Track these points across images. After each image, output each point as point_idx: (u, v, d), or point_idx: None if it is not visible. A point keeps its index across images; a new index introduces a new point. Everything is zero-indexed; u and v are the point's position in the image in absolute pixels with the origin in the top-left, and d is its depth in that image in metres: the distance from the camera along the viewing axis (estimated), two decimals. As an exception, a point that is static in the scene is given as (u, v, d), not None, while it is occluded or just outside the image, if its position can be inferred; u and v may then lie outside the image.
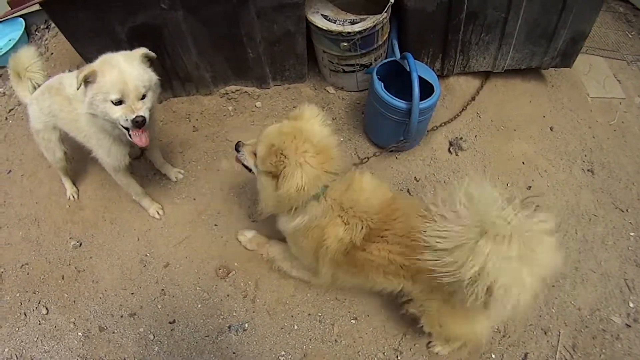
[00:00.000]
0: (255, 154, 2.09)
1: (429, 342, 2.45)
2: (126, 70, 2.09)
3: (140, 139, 2.22)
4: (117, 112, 2.12)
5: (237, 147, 2.24)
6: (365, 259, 1.99)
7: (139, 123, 2.13)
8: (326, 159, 1.93)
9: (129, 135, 2.22)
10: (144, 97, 2.17)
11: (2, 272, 2.92)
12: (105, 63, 2.11)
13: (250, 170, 2.24)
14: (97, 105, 2.13)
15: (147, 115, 2.16)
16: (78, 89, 2.11)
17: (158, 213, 2.98)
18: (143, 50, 2.21)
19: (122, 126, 2.19)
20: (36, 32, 4.25)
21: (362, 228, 1.96)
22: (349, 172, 2.12)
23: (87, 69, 2.07)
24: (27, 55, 2.74)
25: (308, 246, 2.14)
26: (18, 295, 2.81)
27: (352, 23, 2.82)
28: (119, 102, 2.11)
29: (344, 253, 2.04)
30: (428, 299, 1.99)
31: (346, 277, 2.20)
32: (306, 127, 1.97)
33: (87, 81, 2.10)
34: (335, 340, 2.50)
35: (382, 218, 1.96)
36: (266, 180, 2.01)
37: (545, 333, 2.48)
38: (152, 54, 2.24)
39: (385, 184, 2.17)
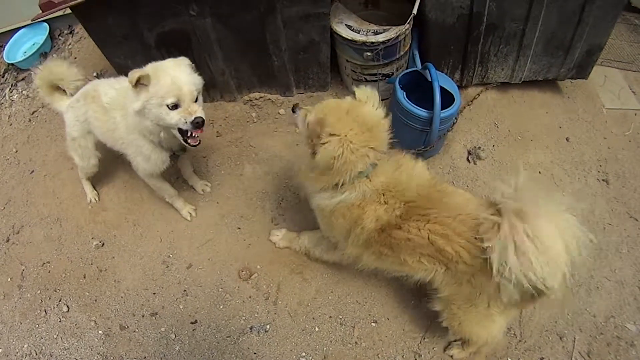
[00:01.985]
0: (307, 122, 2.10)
1: (447, 346, 2.48)
2: (179, 76, 2.16)
3: (194, 140, 2.28)
4: (175, 117, 2.17)
5: (294, 109, 2.25)
6: (402, 238, 1.95)
7: (199, 124, 2.18)
8: (373, 138, 1.92)
9: (184, 139, 2.28)
10: (196, 99, 2.23)
11: (24, 270, 2.96)
12: (158, 69, 2.17)
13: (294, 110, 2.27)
14: (151, 110, 2.18)
15: (204, 115, 2.21)
16: (134, 87, 2.14)
17: (190, 214, 3.02)
18: (186, 59, 2.29)
19: (179, 129, 2.24)
20: (60, 37, 4.32)
21: (401, 206, 1.94)
22: (399, 154, 2.09)
23: (141, 71, 2.11)
24: (59, 68, 2.73)
25: (343, 225, 2.10)
26: (39, 292, 2.85)
27: (376, 33, 2.88)
28: (174, 107, 2.16)
29: (379, 232, 2.00)
30: (455, 292, 1.97)
31: (373, 259, 2.17)
32: (360, 105, 1.97)
33: (139, 83, 2.14)
34: (356, 343, 2.53)
35: (425, 196, 1.94)
36: (308, 149, 2.03)
37: (560, 339, 2.50)
38: (192, 64, 2.31)
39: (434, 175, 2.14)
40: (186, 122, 2.17)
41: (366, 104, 1.98)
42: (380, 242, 2.03)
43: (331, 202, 2.07)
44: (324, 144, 1.86)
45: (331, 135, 1.86)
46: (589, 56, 3.19)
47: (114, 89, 2.46)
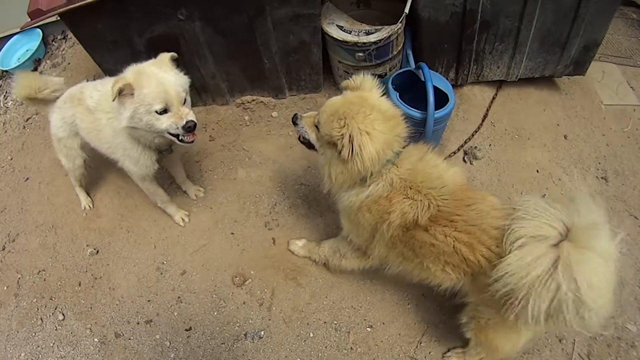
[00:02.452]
0: (317, 126, 2.01)
1: (445, 352, 2.45)
2: (164, 78, 2.10)
3: (190, 136, 2.23)
4: (165, 122, 2.13)
5: (295, 120, 2.16)
6: (426, 242, 1.87)
7: (191, 128, 2.14)
8: (396, 124, 1.88)
9: (179, 139, 2.22)
10: (185, 101, 2.18)
11: (20, 278, 2.96)
12: (140, 74, 2.11)
13: (310, 146, 2.16)
14: (141, 119, 2.12)
15: (195, 118, 2.17)
16: (113, 100, 2.10)
17: (183, 220, 3.00)
18: (167, 54, 2.23)
19: (171, 134, 2.19)
20: (53, 42, 4.33)
21: (429, 206, 1.84)
22: (420, 145, 2.02)
23: (122, 80, 2.05)
24: (29, 79, 2.65)
25: (369, 221, 2.01)
26: (35, 301, 2.85)
27: (367, 34, 2.85)
28: (163, 111, 2.11)
29: (404, 230, 1.92)
30: (483, 304, 1.90)
31: (397, 260, 2.08)
32: (370, 95, 1.92)
33: (122, 94, 2.09)
34: (351, 348, 2.50)
35: (454, 201, 1.85)
36: (331, 153, 1.93)
37: (560, 341, 2.47)
38: (175, 54, 2.26)
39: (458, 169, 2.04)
40: (178, 127, 2.13)
41: (372, 92, 1.93)
42: (404, 243, 1.95)
43: (359, 198, 1.99)
44: (359, 144, 1.77)
45: (362, 132, 1.78)
46: (586, 52, 3.15)
47: (98, 91, 2.41)
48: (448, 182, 1.90)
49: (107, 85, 2.32)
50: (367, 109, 1.83)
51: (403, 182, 1.89)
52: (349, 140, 1.78)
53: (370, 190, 1.93)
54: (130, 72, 2.14)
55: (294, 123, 2.17)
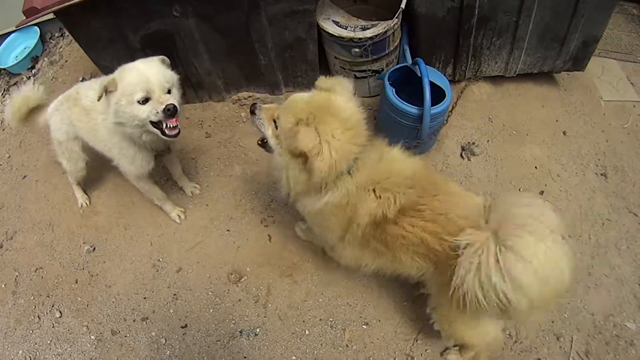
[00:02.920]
0: (275, 122, 1.93)
1: (443, 351, 2.44)
2: (146, 69, 2.10)
3: (172, 130, 2.18)
4: (145, 111, 2.10)
5: (253, 109, 2.05)
6: (396, 235, 1.87)
7: (170, 111, 2.08)
8: (357, 134, 1.82)
9: (162, 132, 2.19)
10: (169, 92, 2.16)
11: (17, 276, 2.96)
12: (124, 69, 2.13)
13: (264, 144, 2.09)
14: (124, 111, 2.12)
15: (177, 103, 2.13)
16: (99, 100, 2.10)
17: (179, 217, 2.99)
18: (159, 56, 2.23)
19: (153, 123, 2.16)
20: (51, 40, 4.33)
21: (395, 201, 1.84)
22: (376, 142, 1.97)
23: (106, 79, 2.07)
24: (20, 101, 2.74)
25: (336, 225, 2.01)
26: (32, 298, 2.85)
27: (363, 29, 2.83)
28: (145, 101, 2.09)
29: (374, 227, 1.91)
30: (443, 293, 1.85)
31: (371, 258, 2.07)
32: (337, 100, 1.84)
33: (108, 91, 2.09)
34: (347, 346, 2.49)
35: (420, 191, 1.85)
36: (292, 160, 1.86)
37: (557, 339, 2.45)
38: (167, 59, 2.25)
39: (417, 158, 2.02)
40: (157, 113, 2.09)
41: (339, 95, 1.87)
42: (376, 238, 1.95)
43: (318, 205, 1.97)
44: (317, 154, 1.72)
45: (323, 141, 1.72)
46: (585, 48, 3.12)
47: (93, 91, 2.38)
48: (409, 172, 1.90)
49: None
50: (330, 115, 1.78)
51: (362, 188, 1.88)
52: (311, 151, 1.73)
53: (326, 198, 1.92)
54: (118, 70, 2.15)
55: (252, 112, 2.06)
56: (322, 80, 1.95)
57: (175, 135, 2.21)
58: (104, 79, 2.07)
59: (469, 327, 1.98)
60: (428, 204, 1.82)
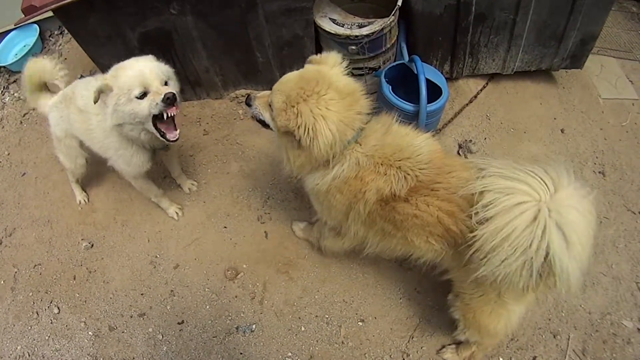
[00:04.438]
0: (270, 106, 1.91)
1: (440, 349, 2.44)
2: (140, 65, 2.09)
3: (172, 133, 2.18)
4: (145, 104, 2.08)
5: (249, 102, 2.05)
6: (408, 214, 1.78)
7: (170, 99, 2.05)
8: (355, 101, 1.78)
9: (162, 134, 2.19)
10: (166, 84, 2.15)
11: (16, 272, 2.98)
12: (117, 69, 2.12)
13: (266, 125, 2.04)
14: (123, 111, 2.10)
15: (176, 92, 2.11)
16: (95, 102, 2.10)
17: (177, 213, 3.00)
18: (151, 57, 2.22)
19: (155, 124, 2.15)
20: (50, 38, 4.34)
21: (406, 178, 1.77)
22: (382, 116, 1.92)
23: (99, 84, 2.06)
24: (49, 66, 2.66)
25: (342, 202, 1.95)
26: (31, 294, 2.87)
27: (360, 26, 2.83)
28: (143, 95, 2.08)
29: (382, 205, 1.84)
30: (464, 278, 1.82)
31: (377, 238, 2.01)
32: (328, 71, 1.83)
33: (102, 92, 2.09)
34: (342, 342, 2.50)
35: (433, 169, 1.78)
36: (288, 141, 1.83)
37: (554, 337, 2.45)
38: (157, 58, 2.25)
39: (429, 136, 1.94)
40: (157, 104, 2.06)
41: (332, 69, 1.85)
42: (384, 218, 1.87)
43: (325, 181, 1.91)
44: (314, 130, 1.69)
45: (316, 116, 1.69)
46: (583, 45, 3.11)
47: (88, 91, 2.37)
48: (422, 149, 1.83)
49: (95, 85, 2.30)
50: (322, 87, 1.74)
51: (371, 160, 1.82)
52: (304, 129, 1.70)
53: (335, 172, 1.87)
54: (110, 70, 2.15)
55: (248, 105, 2.06)
56: (313, 57, 1.95)
57: (176, 140, 2.22)
58: (98, 81, 2.06)
59: (494, 314, 1.89)
60: (443, 182, 1.75)
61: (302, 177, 2.04)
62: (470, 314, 1.96)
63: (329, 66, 1.86)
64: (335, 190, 1.92)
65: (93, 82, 2.39)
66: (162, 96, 2.05)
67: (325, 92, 1.73)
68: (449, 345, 2.42)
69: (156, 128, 2.20)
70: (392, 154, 1.81)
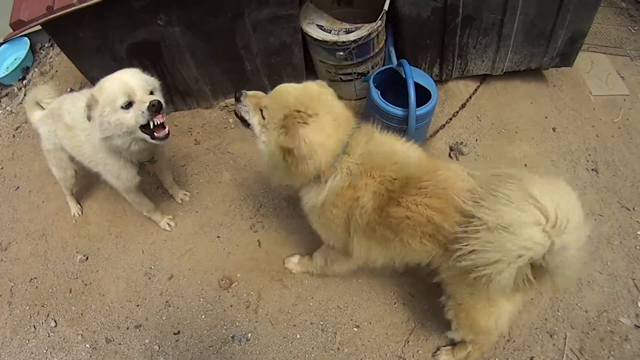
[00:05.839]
0: (262, 110, 1.91)
1: (435, 352, 2.43)
2: (124, 76, 2.10)
3: (160, 130, 2.15)
4: (131, 114, 2.07)
5: (239, 96, 2.01)
6: (402, 217, 1.80)
7: (156, 107, 2.04)
8: (348, 119, 1.85)
9: (151, 135, 2.16)
10: (151, 94, 2.15)
11: (12, 287, 2.98)
12: (102, 82, 2.13)
13: (247, 124, 2.03)
14: (109, 122, 2.09)
15: (161, 99, 2.10)
16: (89, 120, 2.12)
17: (169, 225, 3.00)
18: (136, 69, 2.22)
19: (142, 128, 2.13)
20: (41, 50, 4.35)
21: (395, 179, 1.81)
22: (363, 125, 1.95)
23: (87, 97, 2.08)
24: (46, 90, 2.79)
25: (340, 216, 1.95)
26: (27, 308, 2.87)
27: (347, 32, 2.83)
28: (128, 105, 2.07)
29: (378, 212, 1.85)
30: (455, 277, 1.86)
31: (380, 247, 2.00)
32: (312, 86, 1.88)
33: (90, 107, 2.10)
34: (338, 349, 2.50)
35: (420, 168, 1.82)
36: (278, 151, 1.82)
37: (551, 336, 2.45)
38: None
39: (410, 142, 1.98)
40: (143, 112, 2.05)
41: (314, 84, 1.89)
42: (382, 224, 1.88)
43: (320, 198, 1.94)
44: (311, 149, 1.73)
45: (316, 144, 1.73)
46: (572, 43, 3.11)
47: (75, 107, 2.39)
48: (408, 153, 1.88)
49: (82, 100, 2.30)
50: (321, 109, 1.78)
51: (362, 167, 1.84)
52: (301, 152, 1.73)
53: (329, 186, 1.89)
54: (96, 86, 2.15)
55: (237, 100, 2.02)
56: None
57: (165, 137, 2.17)
58: (85, 96, 2.08)
59: (485, 312, 1.90)
60: (430, 180, 1.78)
61: (300, 197, 2.08)
62: (463, 312, 1.97)
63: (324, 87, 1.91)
64: (331, 206, 1.94)
65: (80, 98, 2.41)
66: (147, 104, 2.04)
67: (325, 113, 1.78)
68: (444, 347, 2.42)
69: (144, 131, 2.16)
70: (381, 159, 1.84)
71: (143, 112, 2.06)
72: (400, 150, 1.90)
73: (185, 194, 3.12)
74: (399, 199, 1.79)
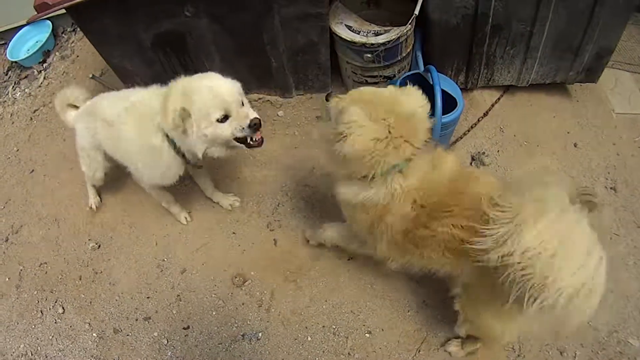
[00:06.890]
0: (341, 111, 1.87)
1: (445, 342, 2.43)
2: (214, 85, 2.05)
3: (257, 138, 2.15)
4: (228, 129, 2.05)
5: (328, 97, 2.04)
6: (427, 236, 1.80)
7: (257, 125, 2.05)
8: (410, 129, 1.74)
9: (247, 144, 2.15)
10: (242, 103, 2.11)
11: (21, 270, 2.98)
12: (188, 92, 2.05)
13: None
14: (205, 134, 2.05)
15: (258, 115, 2.08)
16: (184, 132, 2.07)
17: (186, 219, 2.98)
18: (213, 72, 2.18)
19: (236, 138, 2.12)
20: (63, 35, 4.33)
21: (430, 205, 1.78)
22: (437, 150, 1.89)
23: (174, 107, 2.01)
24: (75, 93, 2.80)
25: (366, 220, 1.96)
26: (35, 293, 2.87)
27: (376, 34, 2.80)
28: (224, 118, 2.04)
29: (404, 233, 1.87)
30: (476, 285, 1.84)
31: (399, 254, 2.02)
32: (401, 94, 1.82)
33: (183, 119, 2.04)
34: (349, 354, 2.48)
35: (448, 192, 1.77)
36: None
37: (561, 354, 2.42)
38: None
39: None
40: (243, 129, 2.04)
41: (407, 93, 1.83)
42: (406, 240, 1.90)
43: (356, 198, 1.91)
44: (350, 134, 1.70)
45: (359, 125, 1.70)
46: (598, 59, 3.07)
47: (112, 109, 2.38)
48: (448, 175, 1.83)
49: (125, 99, 2.33)
50: (386, 107, 1.73)
51: (407, 195, 1.81)
52: (352, 137, 1.69)
53: (369, 194, 1.85)
54: (176, 93, 2.08)
55: (327, 99, 2.05)
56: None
57: (261, 143, 2.17)
58: (167, 109, 2.03)
59: (497, 318, 1.86)
60: (459, 203, 1.74)
61: (336, 182, 2.04)
62: (474, 311, 1.98)
63: (409, 94, 1.84)
64: (361, 210, 1.93)
65: (116, 100, 2.43)
66: (249, 121, 2.03)
67: (384, 111, 1.73)
68: (455, 338, 2.41)
69: (239, 141, 2.16)
70: (427, 188, 1.80)
71: (243, 128, 2.05)
72: (446, 173, 1.84)
73: (236, 200, 3.03)
74: (427, 224, 1.79)
